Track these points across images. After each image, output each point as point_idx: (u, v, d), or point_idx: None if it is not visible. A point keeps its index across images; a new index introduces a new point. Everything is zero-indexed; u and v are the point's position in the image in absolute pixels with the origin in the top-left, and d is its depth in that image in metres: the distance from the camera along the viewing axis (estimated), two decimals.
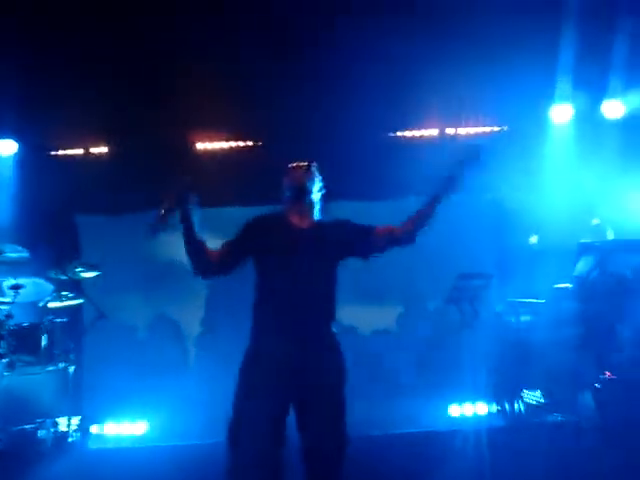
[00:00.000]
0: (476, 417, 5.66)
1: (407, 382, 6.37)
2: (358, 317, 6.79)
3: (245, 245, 3.42)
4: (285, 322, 3.31)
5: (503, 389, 5.59)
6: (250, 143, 7.21)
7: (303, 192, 3.44)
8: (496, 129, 7.05)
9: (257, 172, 6.48)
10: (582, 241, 5.79)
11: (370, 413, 5.96)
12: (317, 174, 3.51)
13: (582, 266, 5.67)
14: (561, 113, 7.05)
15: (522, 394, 5.50)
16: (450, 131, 7.17)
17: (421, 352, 6.60)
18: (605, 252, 5.57)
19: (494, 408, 5.66)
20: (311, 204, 3.46)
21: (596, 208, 6.28)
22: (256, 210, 3.55)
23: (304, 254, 3.35)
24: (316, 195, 3.49)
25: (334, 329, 3.39)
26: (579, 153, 6.82)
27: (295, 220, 3.44)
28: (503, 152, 6.37)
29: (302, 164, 3.49)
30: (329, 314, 3.39)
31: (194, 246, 3.35)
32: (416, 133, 7.29)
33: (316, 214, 3.49)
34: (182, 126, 6.78)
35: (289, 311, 3.31)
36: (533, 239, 6.06)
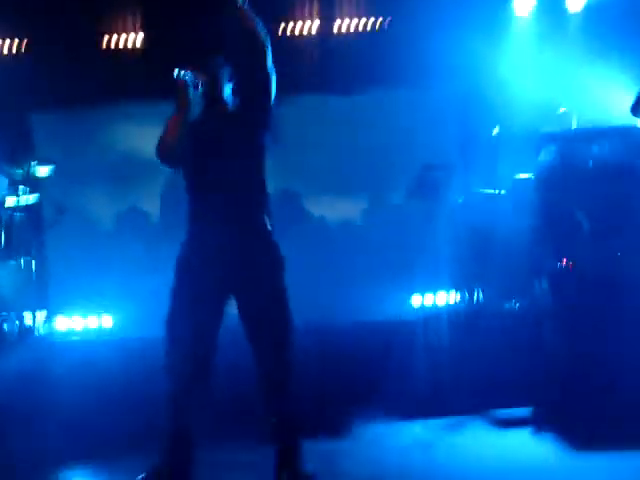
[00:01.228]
0: (436, 307, 5.80)
1: (370, 272, 6.46)
2: (323, 208, 6.82)
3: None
4: (211, 209, 3.31)
5: (463, 278, 5.72)
6: None
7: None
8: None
9: None
10: (544, 130, 5.79)
11: (332, 301, 6.09)
12: None
13: (544, 156, 5.69)
14: (523, 5, 6.89)
15: (481, 283, 5.63)
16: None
17: (384, 244, 6.66)
18: (567, 141, 5.58)
19: (454, 297, 5.80)
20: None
21: (560, 97, 6.23)
22: None
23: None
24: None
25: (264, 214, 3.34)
26: (542, 45, 6.71)
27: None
28: (462, 42, 6.27)
29: None
30: (257, 199, 3.35)
31: (180, 131, 3.30)
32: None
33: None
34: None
35: (214, 197, 3.31)
36: (495, 130, 6.03)
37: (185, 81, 3.27)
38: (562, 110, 6.15)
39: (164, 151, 3.36)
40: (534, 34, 6.89)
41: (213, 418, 3.61)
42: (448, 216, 5.87)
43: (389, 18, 7.03)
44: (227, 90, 3.42)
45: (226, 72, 3.41)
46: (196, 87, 3.30)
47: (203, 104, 3.41)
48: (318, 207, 6.84)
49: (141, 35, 6.90)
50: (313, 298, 6.22)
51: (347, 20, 7.09)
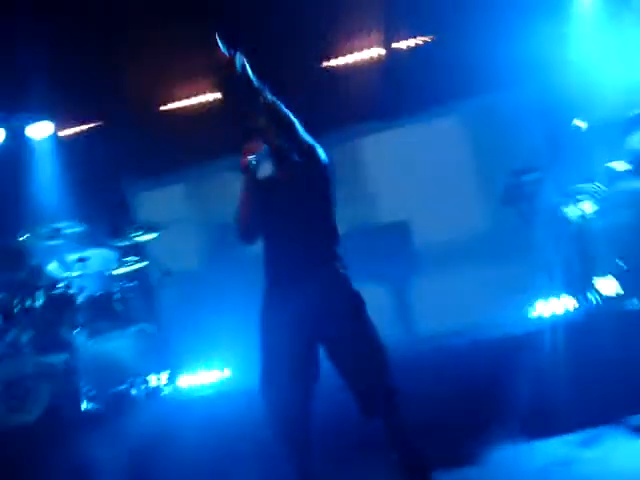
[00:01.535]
0: (555, 315, 5.61)
1: (482, 285, 6.36)
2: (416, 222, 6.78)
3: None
4: (281, 266, 3.36)
5: (574, 283, 5.53)
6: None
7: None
8: None
9: None
10: (631, 114, 5.57)
11: (451, 318, 6.02)
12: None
13: (636, 140, 5.47)
14: None
15: (595, 284, 5.42)
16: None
17: (482, 257, 6.56)
18: None
19: (567, 304, 5.60)
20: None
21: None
22: None
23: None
24: None
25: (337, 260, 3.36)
26: (611, 25, 6.48)
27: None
28: (531, 38, 6.14)
29: None
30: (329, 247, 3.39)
31: (250, 206, 3.40)
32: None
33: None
34: None
35: (284, 254, 3.36)
36: (580, 122, 5.86)
37: (250, 163, 3.35)
38: None
39: (243, 231, 3.47)
40: (602, 15, 6.66)
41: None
42: (548, 219, 5.71)
43: (450, 31, 6.97)
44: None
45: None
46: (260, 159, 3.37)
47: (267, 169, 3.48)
48: (426, 226, 6.80)
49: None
50: (416, 314, 6.23)
51: (409, 39, 7.06)
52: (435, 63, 6.41)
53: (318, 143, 3.43)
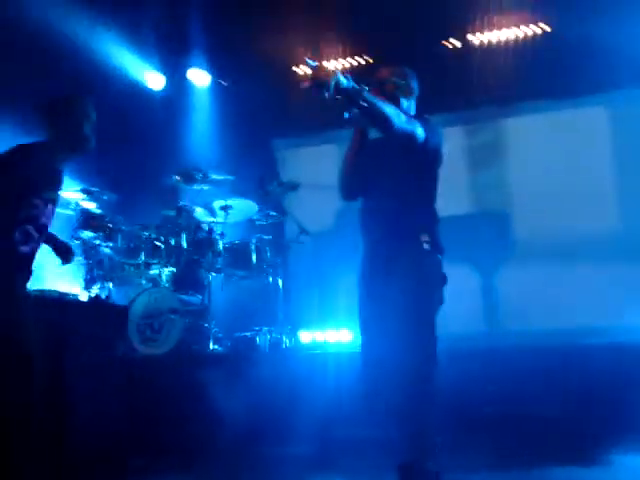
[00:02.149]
0: None
1: (605, 288, 6.13)
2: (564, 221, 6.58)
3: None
4: (373, 228, 3.35)
5: None
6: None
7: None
8: None
9: None
10: None
11: (563, 319, 5.85)
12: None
13: None
14: None
15: None
16: None
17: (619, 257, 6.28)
18: None
19: None
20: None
21: None
22: None
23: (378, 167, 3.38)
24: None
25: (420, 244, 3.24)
26: None
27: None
28: None
29: None
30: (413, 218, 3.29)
31: (357, 161, 3.40)
32: None
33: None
34: None
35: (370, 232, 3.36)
36: None
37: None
38: None
39: (345, 187, 3.49)
40: None
41: None
42: None
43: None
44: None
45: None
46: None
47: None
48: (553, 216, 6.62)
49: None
50: (547, 315, 6.07)
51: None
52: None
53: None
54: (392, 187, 3.34)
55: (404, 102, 3.45)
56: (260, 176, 6.22)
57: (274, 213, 6.39)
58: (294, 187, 6.27)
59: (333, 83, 2.95)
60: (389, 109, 3.14)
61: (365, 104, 3.06)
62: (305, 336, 6.50)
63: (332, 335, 6.39)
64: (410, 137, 3.26)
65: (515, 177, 6.79)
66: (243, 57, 6.97)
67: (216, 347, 5.74)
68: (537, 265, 6.43)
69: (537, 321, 6.13)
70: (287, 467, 4.30)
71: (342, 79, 2.99)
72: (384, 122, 3.14)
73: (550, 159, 6.51)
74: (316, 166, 6.88)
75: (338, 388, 4.87)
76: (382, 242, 3.31)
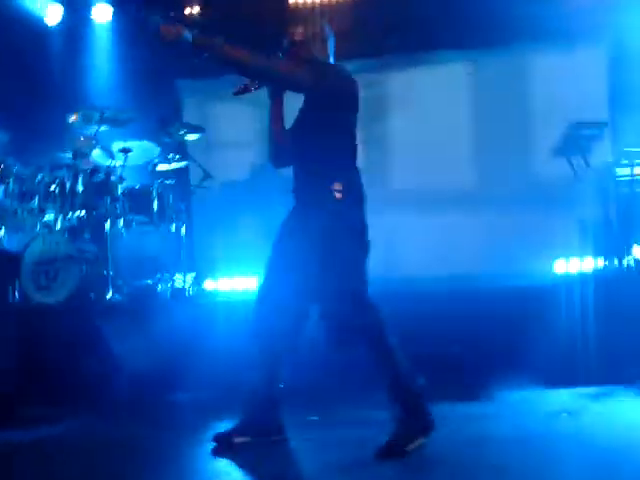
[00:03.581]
0: (582, 273, 5.56)
1: (513, 234, 6.30)
2: (465, 168, 6.69)
3: None
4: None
5: (613, 243, 5.44)
6: None
7: None
8: None
9: None
10: None
11: (473, 264, 6.01)
12: None
13: None
14: None
15: (632, 249, 5.33)
16: None
17: (528, 205, 6.45)
18: None
19: (601, 263, 5.53)
20: None
21: None
22: None
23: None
24: None
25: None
26: None
27: None
28: None
29: None
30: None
31: (277, 128, 3.39)
32: None
33: None
34: None
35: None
36: None
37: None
38: None
39: (275, 157, 3.47)
40: None
41: None
42: (599, 176, 5.59)
43: None
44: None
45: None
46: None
47: None
48: (460, 168, 6.71)
49: None
50: (453, 261, 6.20)
51: None
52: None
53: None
54: (296, 138, 3.36)
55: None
56: (162, 117, 6.00)
57: (177, 156, 6.18)
58: (198, 130, 6.08)
59: (178, 40, 3.06)
60: (246, 57, 3.15)
61: (218, 55, 3.14)
62: (211, 284, 6.39)
63: (239, 283, 6.32)
64: (289, 82, 3.29)
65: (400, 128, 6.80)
66: None
67: (115, 296, 5.58)
68: (413, 214, 6.53)
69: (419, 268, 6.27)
70: (188, 413, 4.28)
71: (186, 36, 3.06)
72: (242, 69, 3.22)
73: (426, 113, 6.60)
74: (221, 110, 6.70)
75: (242, 335, 4.85)
76: (295, 193, 3.36)
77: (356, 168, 3.35)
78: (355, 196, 3.28)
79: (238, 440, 3.33)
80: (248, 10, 6.53)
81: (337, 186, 3.20)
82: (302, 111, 3.39)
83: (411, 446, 3.07)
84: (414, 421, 3.12)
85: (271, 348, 3.34)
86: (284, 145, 3.40)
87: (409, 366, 3.20)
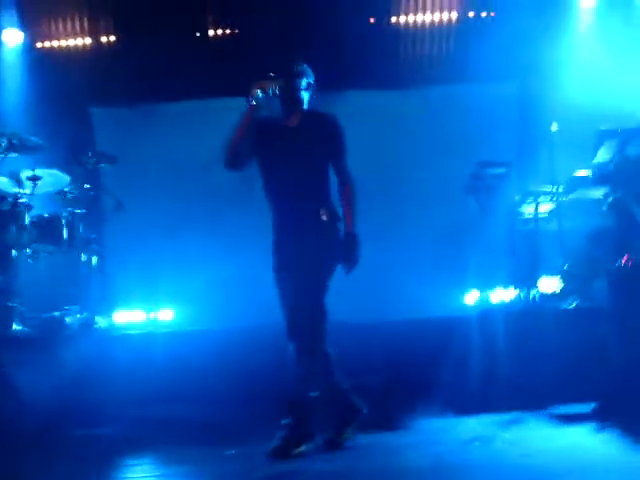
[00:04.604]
0: (492, 304, 5.76)
1: (424, 268, 6.45)
2: (377, 203, 6.83)
3: (254, 147, 3.82)
4: (283, 216, 3.80)
5: (519, 277, 5.66)
6: None
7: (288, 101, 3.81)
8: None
9: None
10: (602, 128, 5.70)
11: (387, 297, 6.10)
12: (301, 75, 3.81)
13: (603, 153, 5.60)
14: None
15: (538, 282, 5.56)
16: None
17: (438, 240, 6.64)
18: (626, 138, 5.49)
19: (509, 295, 5.74)
20: (297, 104, 3.83)
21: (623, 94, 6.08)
22: None
23: (293, 150, 3.77)
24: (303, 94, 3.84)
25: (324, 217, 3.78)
26: (606, 39, 6.59)
27: (286, 120, 3.86)
28: (523, 37, 6.23)
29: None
30: (318, 204, 3.78)
31: (245, 137, 3.74)
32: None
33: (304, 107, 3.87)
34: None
35: (285, 205, 3.78)
36: (553, 127, 5.96)
37: (253, 104, 3.71)
38: None
39: (230, 157, 3.79)
40: (599, 28, 6.78)
41: None
42: (505, 213, 5.83)
43: (453, 13, 6.96)
44: (305, 96, 3.83)
45: (303, 79, 3.80)
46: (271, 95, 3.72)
47: (282, 108, 3.83)
48: (373, 203, 6.83)
49: (211, 32, 7.02)
50: (368, 294, 6.27)
51: (408, 15, 7.07)
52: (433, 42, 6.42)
53: None
54: (304, 166, 3.78)
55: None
56: (73, 146, 5.87)
57: (88, 185, 6.03)
58: (111, 160, 5.97)
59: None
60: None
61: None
62: (122, 316, 6.23)
63: (152, 314, 6.19)
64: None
65: None
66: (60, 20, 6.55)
67: (21, 327, 5.35)
68: None
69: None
70: (93, 448, 4.12)
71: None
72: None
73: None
74: (134, 138, 6.61)
75: (151, 367, 4.77)
76: (292, 216, 3.78)
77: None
78: (336, 217, 3.86)
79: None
80: None
81: (323, 212, 3.80)
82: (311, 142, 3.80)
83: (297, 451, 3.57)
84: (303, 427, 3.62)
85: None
86: (245, 151, 3.80)
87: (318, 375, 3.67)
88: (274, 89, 3.70)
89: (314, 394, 3.69)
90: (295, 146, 3.77)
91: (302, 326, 3.66)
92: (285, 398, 3.70)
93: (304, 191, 3.76)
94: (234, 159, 3.78)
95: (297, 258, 3.74)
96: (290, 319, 3.74)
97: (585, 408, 4.20)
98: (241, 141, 3.76)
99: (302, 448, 3.62)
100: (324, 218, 3.77)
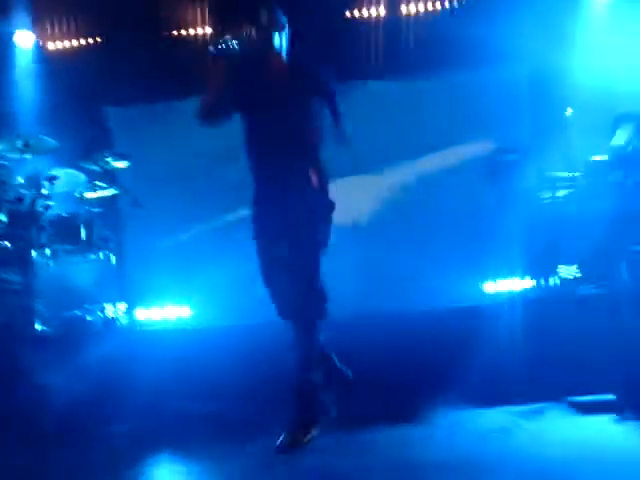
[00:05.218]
0: (511, 292, 5.72)
1: (442, 258, 6.42)
2: (395, 193, 6.80)
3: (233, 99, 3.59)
4: (267, 176, 3.59)
5: (538, 264, 5.61)
6: None
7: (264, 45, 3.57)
8: None
9: None
10: (620, 111, 5.63)
11: (405, 287, 6.09)
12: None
13: (619, 136, 5.53)
14: None
15: (557, 269, 5.52)
16: None
17: (456, 229, 6.60)
18: None
19: (529, 283, 5.70)
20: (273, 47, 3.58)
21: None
22: None
23: (276, 97, 3.55)
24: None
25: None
26: (621, 23, 6.48)
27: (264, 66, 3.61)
28: (536, 20, 6.14)
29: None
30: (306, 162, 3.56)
31: (218, 89, 3.51)
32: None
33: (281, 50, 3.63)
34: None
35: (270, 162, 3.58)
36: (569, 111, 5.88)
37: (218, 55, 3.45)
38: None
39: (204, 110, 3.55)
40: (613, 10, 6.67)
41: None
42: (522, 199, 5.78)
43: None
44: (278, 41, 3.60)
45: (277, 24, 3.59)
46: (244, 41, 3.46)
47: (256, 57, 3.58)
48: (390, 192, 6.82)
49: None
50: (385, 285, 6.27)
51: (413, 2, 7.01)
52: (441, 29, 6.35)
53: None
54: (291, 114, 3.55)
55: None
56: (88, 145, 5.91)
57: (104, 184, 6.07)
58: (124, 158, 6.00)
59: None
60: None
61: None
62: (142, 313, 6.28)
63: (171, 311, 6.24)
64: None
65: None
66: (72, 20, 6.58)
67: (43, 328, 5.42)
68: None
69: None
70: (114, 444, 4.14)
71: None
72: None
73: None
74: (149, 137, 6.63)
75: (173, 363, 4.79)
76: (276, 176, 3.56)
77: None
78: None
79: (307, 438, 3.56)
80: None
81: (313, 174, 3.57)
82: (282, 79, 3.59)
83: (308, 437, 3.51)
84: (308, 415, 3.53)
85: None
86: (220, 104, 3.56)
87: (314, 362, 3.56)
88: (247, 34, 3.47)
89: (316, 376, 3.60)
90: (278, 93, 3.54)
91: (295, 304, 3.53)
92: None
93: (291, 146, 3.52)
94: (209, 114, 3.54)
95: (282, 226, 3.58)
96: (279, 296, 3.67)
97: (606, 397, 4.15)
98: (215, 94, 3.51)
99: (313, 433, 3.55)
100: (314, 180, 3.54)
